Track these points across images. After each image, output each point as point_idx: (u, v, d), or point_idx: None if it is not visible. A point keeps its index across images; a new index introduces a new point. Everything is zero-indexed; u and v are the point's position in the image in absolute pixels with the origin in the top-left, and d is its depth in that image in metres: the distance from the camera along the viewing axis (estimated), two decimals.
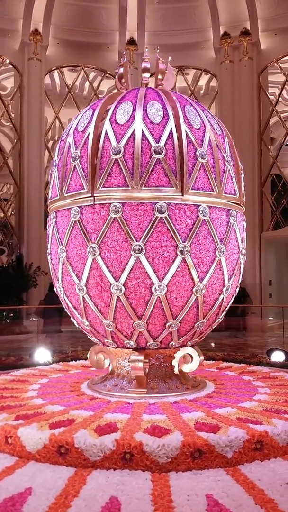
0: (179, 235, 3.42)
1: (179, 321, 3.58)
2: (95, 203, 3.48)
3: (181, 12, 17.12)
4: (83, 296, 3.65)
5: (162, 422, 3.01)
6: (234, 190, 3.85)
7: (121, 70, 4.20)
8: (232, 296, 4.01)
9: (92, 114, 3.69)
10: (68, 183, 3.65)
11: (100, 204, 3.47)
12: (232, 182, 3.84)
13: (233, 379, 4.48)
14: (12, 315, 13.18)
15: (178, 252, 3.41)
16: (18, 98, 17.51)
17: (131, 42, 17.34)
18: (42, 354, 5.83)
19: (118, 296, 3.47)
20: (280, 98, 18.63)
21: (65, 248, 3.69)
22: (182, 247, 3.41)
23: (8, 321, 11.30)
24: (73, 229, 3.60)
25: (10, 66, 17.48)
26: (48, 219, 4.05)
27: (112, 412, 3.25)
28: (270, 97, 18.16)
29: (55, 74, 18.60)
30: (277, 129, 20.66)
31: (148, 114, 3.56)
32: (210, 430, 2.85)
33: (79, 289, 3.65)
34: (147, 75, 4.30)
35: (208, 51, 17.82)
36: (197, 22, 17.38)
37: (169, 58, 4.56)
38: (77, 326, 4.11)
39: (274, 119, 19.09)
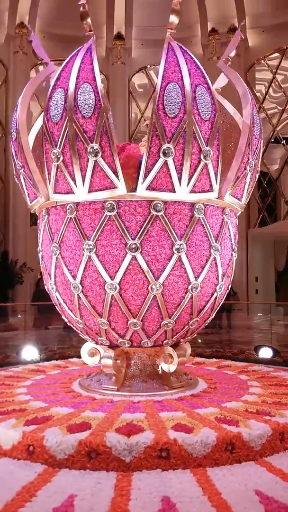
0: (129, 233, 3.34)
1: (140, 319, 3.50)
2: (57, 204, 3.61)
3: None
4: (55, 294, 3.82)
5: (93, 420, 3.02)
6: (210, 185, 3.52)
7: (34, 43, 3.99)
8: (212, 294, 3.74)
9: (16, 117, 3.68)
10: (26, 192, 3.81)
11: (61, 205, 3.59)
12: (209, 178, 3.46)
13: (228, 379, 4.17)
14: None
15: (127, 250, 3.35)
16: (3, 92, 17.12)
17: (118, 36, 16.86)
18: (30, 352, 5.86)
19: (77, 294, 3.55)
20: (267, 96, 18.01)
21: (41, 248, 3.91)
22: (131, 244, 3.33)
23: None
24: (44, 230, 3.79)
25: None
26: None
27: (62, 406, 3.36)
28: (257, 94, 17.52)
29: (41, 68, 18.04)
30: (264, 126, 20.30)
31: (79, 105, 3.19)
32: (126, 433, 2.77)
33: (51, 288, 3.83)
34: (88, 20, 3.58)
35: (195, 47, 17.01)
36: (184, 18, 16.23)
37: (244, 21, 4.35)
38: None
39: (260, 116, 18.07)
